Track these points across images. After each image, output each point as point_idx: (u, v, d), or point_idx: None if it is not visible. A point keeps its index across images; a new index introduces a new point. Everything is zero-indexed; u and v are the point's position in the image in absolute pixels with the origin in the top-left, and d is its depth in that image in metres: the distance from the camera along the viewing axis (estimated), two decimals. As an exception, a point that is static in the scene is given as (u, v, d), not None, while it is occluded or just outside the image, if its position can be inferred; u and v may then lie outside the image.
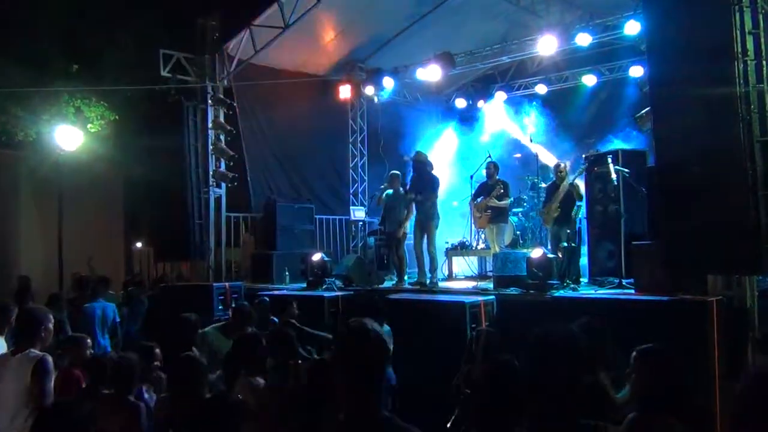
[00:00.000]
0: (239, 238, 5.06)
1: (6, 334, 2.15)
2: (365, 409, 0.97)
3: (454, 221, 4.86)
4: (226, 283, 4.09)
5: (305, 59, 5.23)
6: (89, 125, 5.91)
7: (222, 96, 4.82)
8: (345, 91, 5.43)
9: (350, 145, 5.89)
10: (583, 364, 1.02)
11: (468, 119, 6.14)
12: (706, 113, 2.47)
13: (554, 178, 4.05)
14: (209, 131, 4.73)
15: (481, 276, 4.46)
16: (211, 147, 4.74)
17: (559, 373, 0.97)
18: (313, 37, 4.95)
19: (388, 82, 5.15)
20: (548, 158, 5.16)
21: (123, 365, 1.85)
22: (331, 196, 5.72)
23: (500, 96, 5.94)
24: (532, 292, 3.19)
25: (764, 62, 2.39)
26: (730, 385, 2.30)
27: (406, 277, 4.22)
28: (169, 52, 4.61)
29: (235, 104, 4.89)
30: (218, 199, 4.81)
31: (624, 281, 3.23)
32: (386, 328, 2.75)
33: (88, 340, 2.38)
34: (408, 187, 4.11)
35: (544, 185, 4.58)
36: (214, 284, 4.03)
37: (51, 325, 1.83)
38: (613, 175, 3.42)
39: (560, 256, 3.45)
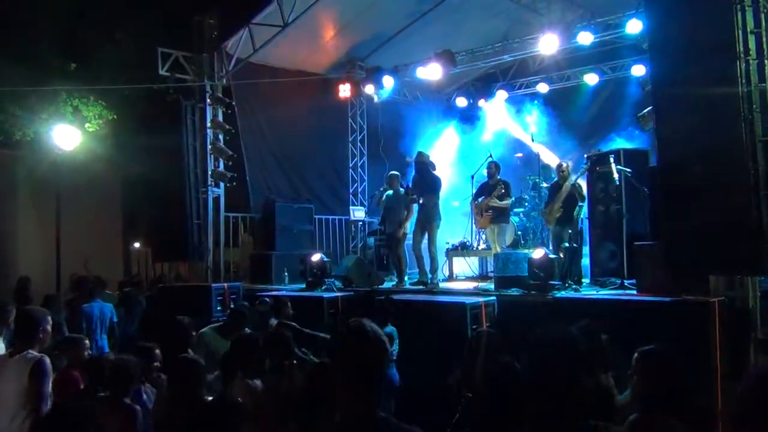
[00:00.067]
0: (238, 239, 5.04)
1: (3, 335, 2.15)
2: (362, 410, 0.96)
3: (455, 221, 4.84)
4: (225, 284, 4.08)
5: (304, 58, 5.21)
6: (87, 124, 5.87)
7: (221, 95, 4.80)
8: (345, 90, 5.40)
9: (350, 145, 5.86)
10: (583, 365, 1.01)
11: (469, 118, 6.12)
12: (708, 113, 2.46)
13: (557, 178, 4.04)
14: (208, 130, 4.71)
15: (482, 277, 4.47)
16: (209, 146, 4.72)
17: (559, 373, 0.97)
18: (312, 36, 4.93)
19: (388, 81, 5.12)
20: (550, 158, 5.16)
21: (120, 367, 1.84)
22: (330, 196, 5.70)
23: (501, 95, 5.92)
24: (533, 292, 3.19)
25: (766, 61, 2.39)
26: (732, 385, 2.30)
27: (406, 278, 4.20)
28: (168, 50, 4.58)
29: (233, 103, 4.87)
30: (217, 199, 4.78)
31: (626, 282, 3.21)
32: (392, 328, 2.76)
33: (86, 341, 2.37)
34: (409, 186, 4.10)
35: (545, 185, 4.58)
36: (213, 285, 4.03)
37: (49, 327, 1.83)
38: (615, 175, 3.41)
39: (562, 256, 3.43)
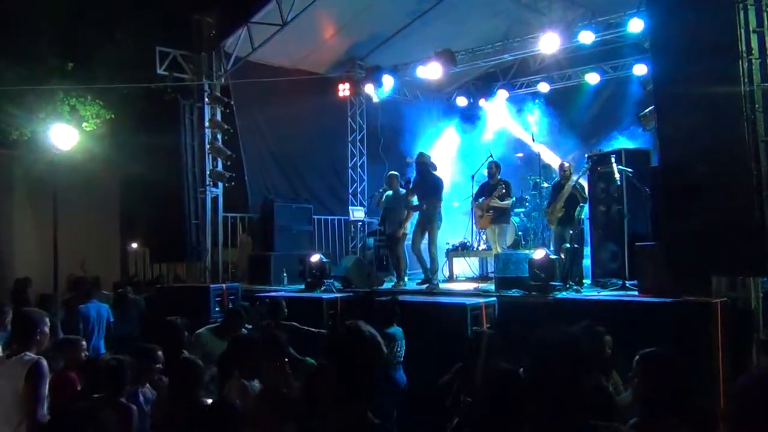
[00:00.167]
0: (236, 239, 5.02)
1: (0, 337, 2.11)
2: (354, 413, 0.95)
3: (455, 221, 4.81)
4: (223, 285, 4.07)
5: (304, 57, 5.18)
6: (84, 124, 5.85)
7: (219, 94, 4.76)
8: (344, 90, 5.38)
9: (349, 144, 5.83)
10: (584, 365, 1.01)
11: (469, 118, 6.09)
12: (711, 112, 2.45)
13: (559, 178, 4.02)
14: (206, 130, 4.68)
15: (483, 277, 4.44)
16: (207, 146, 4.68)
17: (560, 374, 0.97)
18: (311, 35, 4.90)
19: (388, 80, 5.10)
20: (551, 157, 5.13)
21: (114, 367, 1.82)
22: (329, 196, 5.68)
23: (502, 94, 5.89)
24: (534, 293, 3.18)
25: (769, 61, 2.38)
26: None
27: (406, 278, 4.19)
28: (166, 49, 4.55)
29: (232, 103, 4.84)
30: (215, 199, 4.75)
31: (627, 283, 3.20)
32: (398, 329, 2.74)
33: (83, 342, 2.38)
34: (410, 187, 4.05)
35: (546, 185, 4.57)
36: (211, 286, 4.01)
37: (47, 328, 1.81)
38: (617, 175, 3.39)
39: (563, 257, 3.42)
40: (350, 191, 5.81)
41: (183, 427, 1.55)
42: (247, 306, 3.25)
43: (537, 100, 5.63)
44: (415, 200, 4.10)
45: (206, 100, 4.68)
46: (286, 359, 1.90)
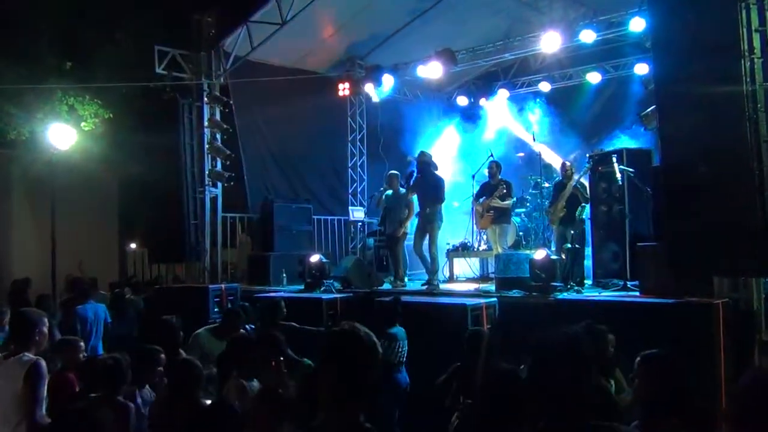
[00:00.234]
0: (236, 239, 5.01)
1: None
2: (345, 416, 0.94)
3: (456, 220, 4.79)
4: (222, 285, 4.06)
5: (303, 56, 5.16)
6: (83, 124, 5.82)
7: (218, 93, 4.73)
8: (344, 89, 5.36)
9: (349, 144, 5.81)
10: (584, 365, 0.99)
11: (470, 117, 6.07)
12: (712, 112, 2.44)
13: (561, 177, 4.01)
14: (205, 130, 4.66)
15: (483, 278, 4.42)
16: (206, 146, 4.66)
17: (560, 374, 0.96)
18: (311, 34, 4.88)
19: (388, 80, 5.08)
20: (552, 157, 5.11)
21: (111, 366, 1.82)
22: (329, 196, 5.66)
23: (503, 94, 5.87)
24: (534, 294, 3.17)
25: (772, 60, 2.36)
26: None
27: (406, 279, 4.18)
28: (165, 48, 4.53)
29: (231, 102, 4.82)
30: (214, 199, 4.73)
31: (629, 283, 3.19)
32: (400, 329, 2.73)
33: (81, 343, 2.37)
34: (410, 184, 4.01)
35: (547, 185, 4.54)
36: (210, 286, 3.99)
37: (46, 329, 1.80)
38: (618, 175, 3.38)
39: (564, 257, 3.41)
40: (350, 191, 5.79)
41: (182, 428, 1.54)
42: (248, 306, 3.23)
43: (538, 100, 5.61)
44: (414, 199, 4.08)
45: (205, 99, 4.67)
46: (282, 358, 1.88)
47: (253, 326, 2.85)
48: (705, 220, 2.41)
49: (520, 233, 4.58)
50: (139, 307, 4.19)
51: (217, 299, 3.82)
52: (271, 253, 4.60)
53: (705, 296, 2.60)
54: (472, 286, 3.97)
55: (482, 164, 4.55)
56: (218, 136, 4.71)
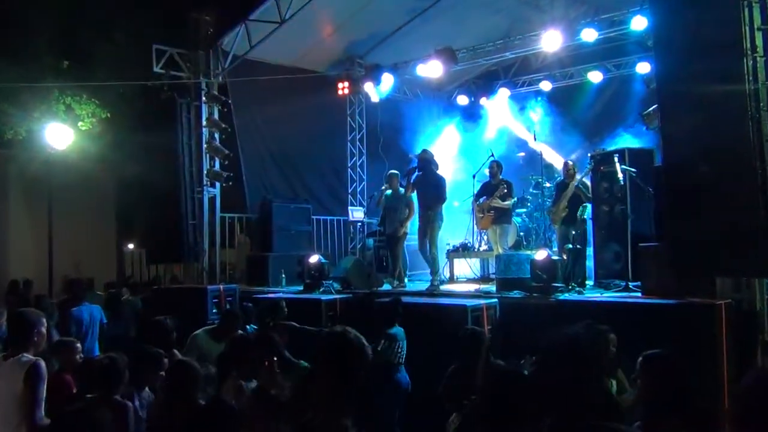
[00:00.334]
0: (234, 240, 4.98)
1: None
2: (332, 417, 0.95)
3: (457, 220, 4.77)
4: (221, 286, 4.04)
5: (302, 55, 5.12)
6: (80, 123, 5.81)
7: (216, 93, 4.71)
8: (343, 88, 5.32)
9: (348, 144, 5.78)
10: (585, 365, 1.00)
11: (471, 116, 6.04)
12: (715, 111, 2.41)
13: (563, 177, 3.99)
14: (203, 129, 4.62)
15: (484, 278, 4.40)
16: (205, 145, 4.63)
17: (561, 375, 0.97)
18: (310, 32, 4.84)
19: (388, 79, 5.04)
20: (553, 157, 5.08)
21: (108, 365, 1.81)
22: (328, 196, 5.63)
23: (503, 93, 5.85)
24: (535, 295, 3.15)
25: (774, 59, 2.34)
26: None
27: (406, 279, 4.17)
28: (162, 47, 4.50)
29: (229, 101, 4.79)
30: (212, 199, 4.71)
31: (631, 284, 3.18)
32: (400, 329, 2.72)
33: (78, 345, 2.36)
34: (411, 182, 3.97)
35: (548, 185, 4.52)
36: (208, 287, 3.97)
37: (44, 329, 1.80)
38: (620, 175, 3.37)
39: (565, 257, 3.39)
40: (350, 191, 5.75)
41: (181, 430, 1.52)
42: (251, 307, 3.20)
43: (539, 98, 5.58)
44: (414, 197, 4.04)
45: (203, 98, 4.63)
46: (275, 359, 1.87)
47: (255, 327, 2.83)
48: (707, 220, 2.39)
49: (521, 233, 4.56)
50: (136, 308, 4.16)
51: (216, 300, 3.81)
52: (270, 254, 4.58)
53: (707, 297, 2.58)
54: (472, 287, 3.95)
55: (483, 164, 4.53)
56: (216, 135, 4.68)
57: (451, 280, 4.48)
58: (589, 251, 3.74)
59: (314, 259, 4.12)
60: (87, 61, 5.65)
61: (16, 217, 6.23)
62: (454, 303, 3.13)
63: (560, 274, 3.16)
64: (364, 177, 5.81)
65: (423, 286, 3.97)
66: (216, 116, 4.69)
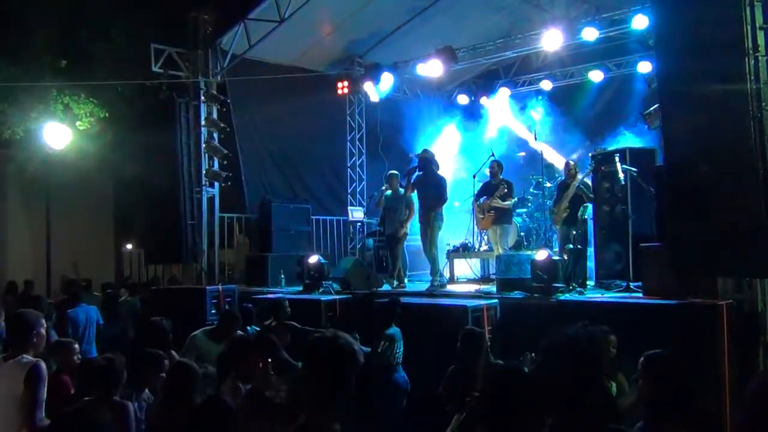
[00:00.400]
0: (233, 240, 4.98)
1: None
2: (320, 421, 0.95)
3: (457, 220, 4.75)
4: (220, 286, 4.02)
5: (301, 54, 5.11)
6: (78, 122, 5.77)
7: (215, 92, 4.69)
8: (343, 87, 5.31)
9: (348, 143, 5.76)
10: (585, 366, 0.99)
11: (471, 116, 6.02)
12: (716, 111, 2.41)
13: (564, 177, 3.96)
14: (202, 129, 4.60)
15: (484, 279, 4.39)
16: (203, 145, 4.61)
17: (562, 375, 0.97)
18: (309, 31, 4.83)
19: (387, 78, 5.02)
20: (553, 156, 5.05)
21: (105, 367, 1.80)
22: (328, 196, 5.61)
23: (504, 92, 5.83)
24: (536, 295, 3.14)
25: (776, 58, 2.33)
26: (740, 390, 2.25)
27: (406, 280, 4.15)
28: (161, 46, 4.48)
29: (228, 101, 4.77)
30: (211, 199, 4.69)
31: (632, 284, 3.16)
32: (397, 330, 2.72)
33: (76, 346, 2.35)
34: (411, 181, 3.95)
35: (549, 185, 4.51)
36: (207, 287, 3.96)
37: (43, 330, 1.79)
38: (621, 175, 3.35)
39: (566, 258, 3.37)
40: (349, 191, 5.73)
41: (181, 430, 1.52)
42: (252, 308, 3.19)
43: (540, 98, 5.56)
44: (414, 197, 4.03)
45: (202, 98, 4.62)
46: (270, 360, 1.85)
47: (257, 328, 2.81)
48: (709, 220, 2.39)
49: (522, 234, 4.54)
50: (135, 308, 4.13)
51: (215, 301, 3.79)
52: (269, 254, 4.56)
53: (709, 297, 2.56)
54: (472, 287, 3.94)
55: (483, 164, 4.50)
56: (215, 135, 4.66)
57: (452, 280, 4.46)
58: (590, 251, 3.73)
59: (314, 259, 4.10)
60: (85, 60, 5.63)
61: (14, 217, 6.23)
62: (454, 303, 3.12)
63: (561, 275, 3.14)
64: (364, 177, 5.79)
65: (423, 286, 3.97)
66: (215, 116, 4.67)
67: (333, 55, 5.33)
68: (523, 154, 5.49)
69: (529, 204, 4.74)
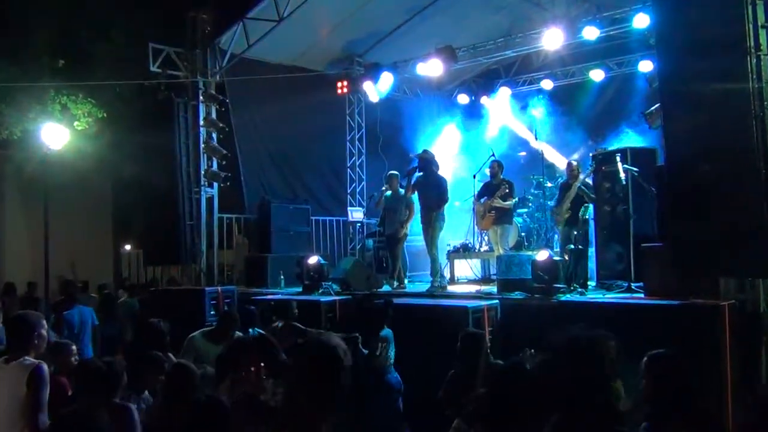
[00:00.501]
0: (232, 241, 4.97)
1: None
2: (307, 425, 0.94)
3: (457, 220, 4.73)
4: (219, 287, 4.01)
5: (301, 53, 5.09)
6: (76, 123, 5.75)
7: (214, 92, 4.67)
8: (342, 87, 5.29)
9: (348, 143, 5.75)
10: (585, 366, 0.99)
11: (471, 115, 6.00)
12: (718, 110, 2.39)
13: (566, 177, 3.95)
14: (201, 129, 4.58)
15: (485, 279, 4.39)
16: (202, 145, 4.59)
17: (562, 375, 0.96)
18: (308, 31, 4.80)
19: (387, 78, 5.01)
20: (554, 156, 5.05)
21: (105, 370, 1.80)
22: (328, 197, 5.59)
23: (504, 91, 5.82)
24: (537, 296, 3.13)
25: (778, 57, 2.32)
26: (743, 391, 2.24)
27: (406, 281, 4.15)
28: (159, 46, 4.46)
29: (227, 101, 4.76)
30: (210, 200, 4.67)
31: (633, 285, 3.15)
32: (389, 331, 2.71)
33: (73, 347, 2.35)
34: (411, 182, 3.94)
35: (550, 184, 4.50)
36: (206, 288, 3.95)
37: (44, 331, 1.78)
38: (622, 174, 3.33)
39: (566, 258, 3.36)
40: (349, 191, 5.72)
41: (180, 431, 1.50)
42: (254, 309, 3.17)
43: (540, 97, 5.54)
44: (414, 198, 4.01)
45: (201, 98, 4.60)
46: (264, 363, 1.84)
47: (260, 330, 2.80)
48: (711, 219, 2.37)
49: (522, 234, 4.53)
50: (134, 310, 4.11)
51: (214, 302, 3.78)
52: (269, 255, 4.55)
53: (711, 298, 2.55)
54: (473, 288, 3.94)
55: (484, 163, 4.49)
56: (214, 135, 4.64)
57: (452, 281, 4.45)
58: (591, 252, 3.72)
59: (313, 260, 4.09)
60: (84, 60, 5.61)
61: (12, 218, 6.22)
62: (454, 304, 3.12)
63: (562, 275, 3.13)
64: (364, 177, 5.77)
65: (423, 287, 3.95)
66: (214, 116, 4.65)
67: (332, 55, 5.31)
68: (523, 153, 5.48)
69: (530, 204, 4.73)
